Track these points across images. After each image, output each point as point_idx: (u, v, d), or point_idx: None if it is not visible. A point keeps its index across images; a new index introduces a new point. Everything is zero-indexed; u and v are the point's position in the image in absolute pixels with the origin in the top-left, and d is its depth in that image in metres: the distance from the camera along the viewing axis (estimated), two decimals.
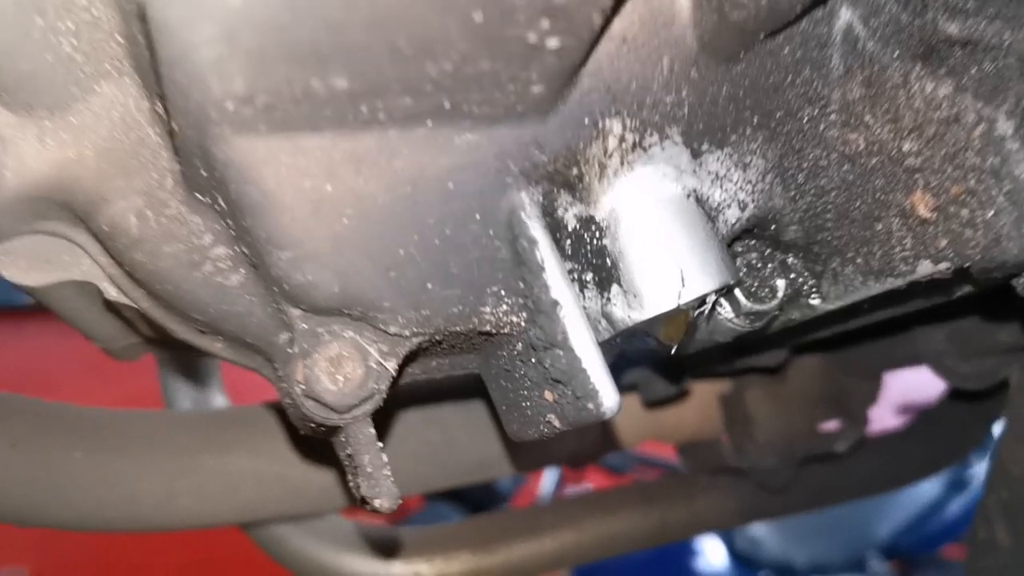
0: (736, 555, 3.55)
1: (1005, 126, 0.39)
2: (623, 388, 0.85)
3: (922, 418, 1.14)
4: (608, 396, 0.41)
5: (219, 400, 1.05)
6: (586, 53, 0.37)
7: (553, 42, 0.35)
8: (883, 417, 1.35)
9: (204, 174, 0.41)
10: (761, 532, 3.56)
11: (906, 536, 3.19)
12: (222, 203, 0.43)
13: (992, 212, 0.40)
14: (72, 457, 0.77)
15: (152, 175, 0.46)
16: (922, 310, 0.76)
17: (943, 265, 0.44)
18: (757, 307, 0.50)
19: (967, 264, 0.43)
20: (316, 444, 0.73)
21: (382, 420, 0.84)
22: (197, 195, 0.46)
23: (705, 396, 1.00)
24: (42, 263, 0.52)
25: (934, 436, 1.12)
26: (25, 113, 0.45)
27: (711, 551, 3.56)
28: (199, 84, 0.33)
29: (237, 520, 0.85)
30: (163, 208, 0.47)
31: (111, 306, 0.56)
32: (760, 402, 0.95)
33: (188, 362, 1.05)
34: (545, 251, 0.42)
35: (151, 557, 4.06)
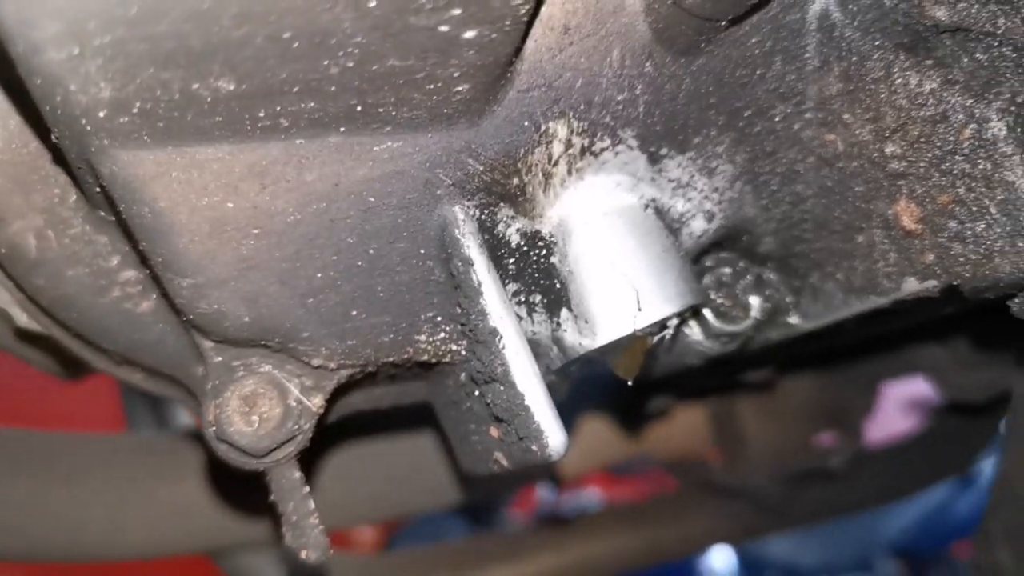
0: (742, 557, 3.51)
1: (998, 126, 0.34)
2: (595, 408, 0.80)
3: (922, 430, 1.09)
4: (553, 436, 0.36)
5: (184, 418, 1.01)
6: (515, 45, 0.32)
7: (470, 33, 0.30)
8: (891, 418, 1.30)
9: (97, 191, 0.37)
10: None
11: (914, 535, 3.15)
12: (120, 224, 0.38)
13: (983, 224, 0.35)
14: (15, 485, 0.73)
15: (54, 190, 0.42)
16: (916, 324, 0.71)
17: (930, 283, 0.39)
18: (729, 328, 0.45)
19: (956, 282, 0.38)
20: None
21: (332, 450, 0.79)
22: (100, 212, 0.41)
23: (693, 412, 0.95)
24: None
25: (935, 448, 1.07)
26: None
27: (717, 552, 3.52)
28: (59, 89, 0.29)
29: (191, 549, 0.80)
30: (66, 228, 0.42)
31: (25, 335, 0.52)
32: (751, 417, 0.90)
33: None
34: (482, 273, 0.37)
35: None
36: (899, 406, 1.35)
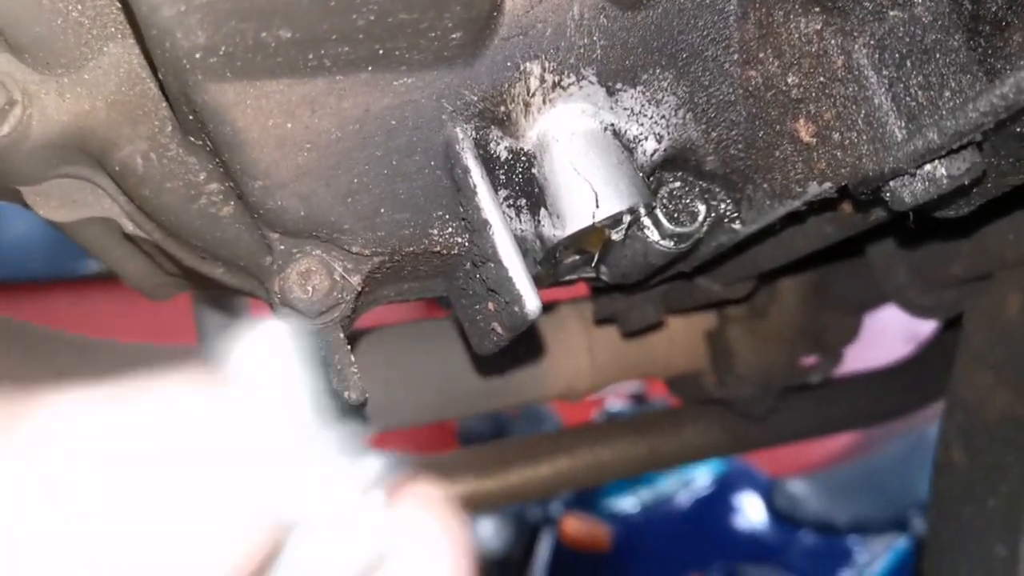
0: (776, 513, 3.57)
1: (862, 57, 0.45)
2: (603, 320, 0.92)
3: (908, 356, 1.18)
4: (530, 299, 0.48)
5: None
6: (492, 3, 0.44)
7: None
8: (893, 346, 1.38)
9: (191, 118, 0.50)
10: (801, 490, 3.56)
11: None
12: (210, 143, 0.51)
13: (854, 134, 0.46)
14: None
15: (154, 122, 0.55)
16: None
17: (826, 185, 0.50)
18: (679, 229, 0.56)
19: (843, 183, 0.49)
20: None
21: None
22: (191, 138, 0.54)
23: (693, 335, 1.07)
24: (69, 202, 0.61)
25: (919, 372, 1.17)
26: (46, 71, 0.53)
27: (750, 508, 3.59)
28: (169, 37, 0.41)
29: None
30: (164, 151, 0.55)
31: (131, 240, 0.66)
32: (741, 338, 1.01)
33: (221, 301, 1.15)
34: (476, 177, 0.49)
35: None
36: (902, 337, 1.44)
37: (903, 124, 0.44)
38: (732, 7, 0.51)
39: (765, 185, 0.54)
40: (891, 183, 0.46)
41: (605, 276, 0.64)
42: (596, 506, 3.50)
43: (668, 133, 0.54)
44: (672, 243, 0.57)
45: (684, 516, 3.56)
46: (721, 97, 0.53)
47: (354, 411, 0.65)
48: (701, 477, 3.57)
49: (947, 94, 0.44)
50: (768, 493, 3.57)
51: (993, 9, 0.52)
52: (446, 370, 0.96)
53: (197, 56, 0.43)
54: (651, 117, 0.53)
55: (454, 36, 0.45)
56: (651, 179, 0.57)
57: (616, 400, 3.65)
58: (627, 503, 3.54)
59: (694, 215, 0.56)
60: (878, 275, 0.89)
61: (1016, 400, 0.78)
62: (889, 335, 1.14)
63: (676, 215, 0.56)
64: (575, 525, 3.43)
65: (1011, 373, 0.78)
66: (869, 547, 3.42)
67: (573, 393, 1.05)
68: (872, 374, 1.19)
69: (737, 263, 0.74)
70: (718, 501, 3.57)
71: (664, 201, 0.56)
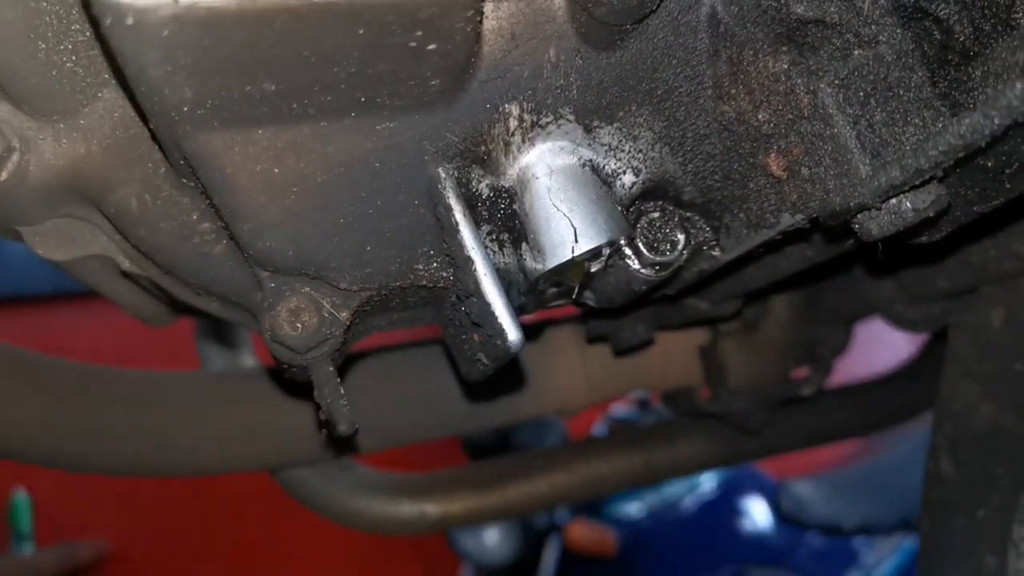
0: (782, 515, 3.57)
1: (827, 96, 0.46)
2: (595, 339, 0.94)
3: (900, 366, 1.20)
4: (512, 333, 0.50)
5: (249, 361, 1.17)
6: (469, 51, 0.46)
7: (432, 46, 0.43)
8: (900, 347, 1.39)
9: (182, 163, 0.51)
10: (808, 492, 3.56)
11: None
12: (201, 186, 0.53)
13: (822, 169, 0.48)
14: (111, 412, 0.89)
15: (148, 165, 0.56)
16: (871, 263, 0.83)
17: (798, 216, 0.51)
18: (660, 258, 0.58)
19: (814, 214, 0.50)
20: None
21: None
22: (183, 180, 0.56)
23: (687, 350, 1.08)
24: (67, 241, 0.63)
25: (913, 382, 1.18)
26: (43, 118, 0.55)
27: (756, 512, 3.59)
28: (158, 94, 0.43)
29: (256, 467, 0.96)
30: (158, 192, 0.57)
31: (127, 276, 0.67)
32: (733, 352, 1.02)
33: (222, 327, 1.17)
34: (459, 215, 0.51)
35: (223, 531, 4.30)
36: (908, 338, 1.44)
37: (867, 160, 0.46)
38: (704, 46, 0.52)
39: (742, 215, 0.56)
40: (859, 216, 0.47)
41: (591, 301, 0.65)
42: (602, 512, 3.51)
43: (646, 167, 0.56)
44: (653, 271, 0.58)
45: (690, 521, 3.56)
46: (696, 131, 0.55)
47: (347, 438, 0.66)
48: (707, 482, 3.57)
49: (910, 130, 0.45)
50: (774, 496, 3.57)
51: (961, 39, 0.53)
52: (443, 389, 0.98)
53: (185, 109, 0.44)
54: (628, 152, 0.55)
55: (433, 83, 0.47)
56: (631, 210, 0.58)
57: (621, 406, 3.66)
58: (633, 508, 3.54)
59: (674, 244, 0.58)
60: (865, 290, 0.90)
61: (1001, 412, 0.79)
62: (895, 337, 1.15)
63: (656, 244, 0.58)
64: (581, 531, 3.44)
65: (996, 386, 0.79)
66: (876, 549, 3.42)
67: (568, 409, 1.06)
68: (864, 385, 1.20)
69: (723, 284, 0.75)
70: (724, 505, 3.58)
71: (644, 231, 0.58)
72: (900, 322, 0.90)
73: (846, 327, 1.06)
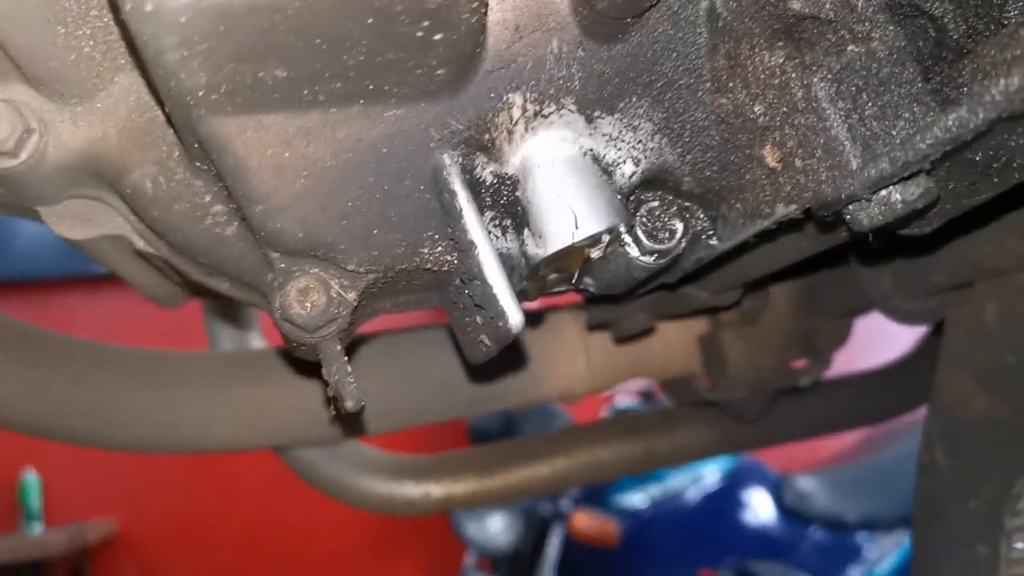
0: (785, 509, 3.58)
1: (820, 90, 0.48)
2: (596, 326, 0.96)
3: (898, 358, 1.21)
4: (513, 315, 0.51)
5: (257, 342, 1.19)
6: (474, 42, 0.47)
7: (438, 36, 0.45)
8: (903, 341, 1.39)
9: (196, 147, 0.53)
10: (811, 486, 3.57)
11: None
12: (214, 169, 0.54)
13: (814, 160, 0.49)
14: (125, 389, 0.92)
15: (162, 148, 0.58)
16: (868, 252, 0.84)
17: (792, 207, 0.53)
18: (658, 246, 0.59)
19: (807, 205, 0.52)
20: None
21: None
22: (197, 163, 0.57)
23: (687, 339, 1.10)
24: (83, 221, 0.65)
25: (910, 374, 1.19)
26: (60, 101, 0.57)
27: (759, 505, 3.61)
28: (174, 78, 0.45)
29: (265, 445, 0.98)
30: (172, 174, 0.59)
31: (142, 256, 0.69)
32: (733, 342, 1.04)
33: (231, 309, 1.19)
34: (463, 201, 0.52)
35: (229, 513, 4.34)
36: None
37: (858, 153, 0.47)
38: (703, 40, 0.54)
39: (738, 205, 0.57)
40: (850, 207, 0.49)
41: (592, 288, 0.67)
42: (606, 502, 3.53)
43: (645, 156, 0.57)
44: (652, 259, 0.60)
45: (693, 512, 3.58)
46: (695, 123, 0.56)
47: (355, 416, 0.68)
48: (710, 473, 3.59)
49: (900, 124, 0.47)
50: (777, 489, 3.58)
51: (955, 37, 0.54)
52: (449, 373, 1.00)
53: (200, 94, 0.46)
54: (628, 142, 0.56)
55: (439, 72, 0.48)
56: (631, 199, 0.60)
57: (625, 397, 3.67)
58: (636, 499, 3.56)
59: (672, 232, 0.59)
60: (863, 283, 0.91)
61: (994, 405, 0.81)
62: (896, 331, 1.16)
63: (655, 232, 0.59)
64: (585, 521, 3.46)
65: (989, 379, 0.81)
66: (879, 544, 3.43)
67: (571, 395, 1.08)
68: (862, 376, 1.22)
69: (722, 273, 0.77)
70: (727, 497, 3.59)
71: (643, 219, 0.59)
72: (897, 315, 0.92)
73: (845, 320, 1.07)
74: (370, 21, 0.43)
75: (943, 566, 0.89)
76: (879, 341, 1.78)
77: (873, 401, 1.20)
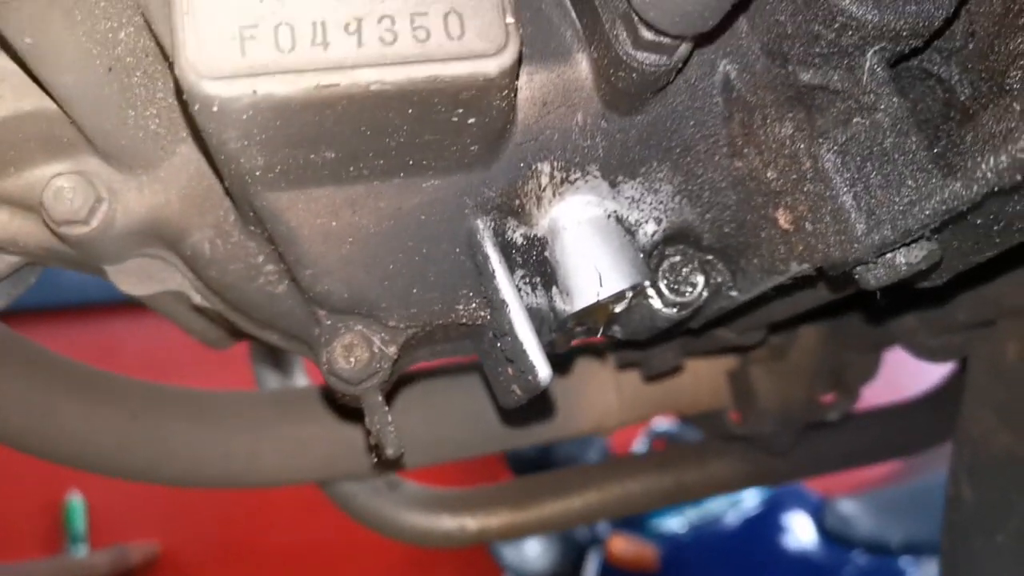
0: (827, 533, 3.53)
1: (827, 161, 0.51)
2: (627, 364, 0.99)
3: (926, 392, 1.22)
4: (542, 369, 0.55)
5: (301, 380, 1.24)
6: (504, 121, 0.52)
7: (472, 120, 0.49)
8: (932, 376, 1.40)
9: (251, 215, 0.58)
10: (853, 510, 3.52)
11: None
12: (267, 234, 0.59)
13: (823, 225, 0.52)
14: (178, 426, 0.97)
15: (219, 212, 0.63)
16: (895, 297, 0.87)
17: (804, 266, 0.56)
18: (680, 299, 0.63)
19: (819, 264, 0.55)
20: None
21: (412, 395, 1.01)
22: (251, 227, 0.62)
23: (716, 374, 1.13)
24: (146, 278, 0.70)
25: (936, 409, 1.20)
26: (128, 172, 0.62)
27: (800, 529, 3.56)
28: (234, 162, 0.50)
29: (310, 479, 1.03)
30: (228, 237, 0.64)
31: (198, 308, 0.74)
32: (762, 378, 1.07)
33: (275, 350, 1.24)
34: (495, 263, 0.57)
35: (268, 535, 4.41)
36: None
37: (863, 219, 0.50)
38: (719, 108, 0.57)
39: (755, 260, 0.61)
40: (857, 268, 0.52)
41: (618, 335, 0.70)
42: (643, 526, 3.52)
43: (666, 216, 0.61)
44: (675, 310, 0.63)
45: (732, 536, 3.54)
46: (712, 184, 0.60)
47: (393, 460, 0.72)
48: (749, 497, 3.56)
49: (904, 191, 0.50)
50: (819, 513, 3.53)
51: (962, 99, 0.58)
52: (484, 411, 1.04)
53: (257, 173, 0.51)
54: (650, 203, 0.60)
55: (473, 148, 0.53)
56: (654, 254, 0.63)
57: (662, 420, 3.66)
58: (674, 523, 3.54)
59: (694, 286, 0.63)
60: (888, 321, 0.94)
61: (1016, 441, 0.82)
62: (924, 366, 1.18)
63: (677, 286, 0.63)
64: (622, 545, 3.45)
65: (1011, 415, 0.83)
66: (923, 569, 3.37)
67: (602, 429, 1.11)
68: (890, 410, 1.23)
69: (746, 318, 0.80)
70: (767, 521, 3.55)
71: (666, 273, 0.63)
72: (921, 351, 0.94)
73: (873, 355, 1.09)
74: (410, 111, 0.47)
75: None
76: (909, 375, 1.79)
77: (901, 434, 1.21)
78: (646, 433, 3.44)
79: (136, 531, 4.32)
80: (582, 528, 3.49)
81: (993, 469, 0.87)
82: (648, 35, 0.49)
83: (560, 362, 0.93)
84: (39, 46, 0.51)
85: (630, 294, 0.60)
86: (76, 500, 4.25)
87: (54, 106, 0.59)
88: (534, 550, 3.50)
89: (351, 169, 0.53)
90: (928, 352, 0.93)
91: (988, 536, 0.88)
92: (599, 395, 1.06)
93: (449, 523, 1.09)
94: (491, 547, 3.50)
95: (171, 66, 0.54)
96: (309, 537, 4.32)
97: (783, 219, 0.55)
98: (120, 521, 4.32)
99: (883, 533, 3.48)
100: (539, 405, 1.02)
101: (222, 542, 4.36)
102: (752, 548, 3.57)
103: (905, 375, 1.81)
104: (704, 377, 1.12)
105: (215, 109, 0.45)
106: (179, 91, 0.47)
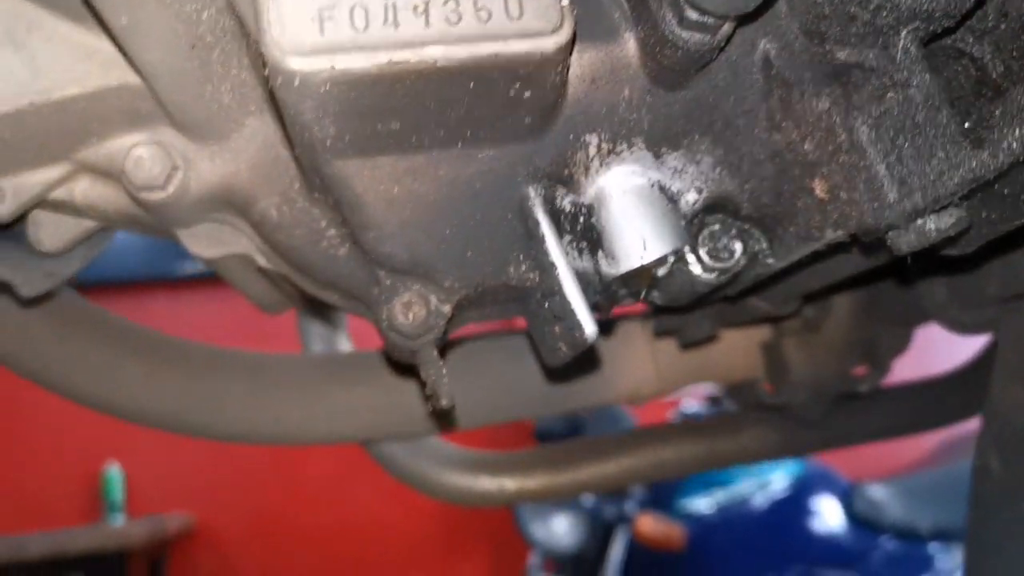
0: (855, 517, 3.53)
1: (862, 133, 0.54)
2: (664, 332, 1.03)
3: (958, 367, 1.24)
4: (588, 325, 0.59)
5: (345, 344, 1.30)
6: (557, 95, 0.56)
7: (527, 94, 0.53)
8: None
9: (318, 182, 0.63)
10: (882, 494, 3.52)
11: None
12: (331, 200, 0.64)
13: (857, 194, 0.56)
14: (233, 387, 1.03)
15: (285, 180, 0.68)
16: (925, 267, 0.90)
17: (839, 232, 0.59)
18: (719, 264, 0.66)
19: (853, 231, 0.58)
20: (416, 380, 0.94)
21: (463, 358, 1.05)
22: (315, 194, 0.67)
23: (750, 345, 1.16)
24: (215, 242, 0.75)
25: (967, 383, 1.23)
26: (201, 142, 0.67)
27: (828, 512, 3.57)
28: (307, 131, 0.54)
29: (357, 438, 1.08)
30: (293, 204, 0.68)
31: (262, 271, 0.79)
32: (795, 350, 1.10)
33: (321, 313, 1.30)
34: (545, 228, 0.61)
35: (301, 507, 4.51)
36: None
37: (895, 188, 0.53)
38: (758, 85, 0.61)
39: (792, 228, 0.64)
40: (889, 233, 0.55)
41: (658, 300, 0.74)
42: (671, 506, 3.55)
43: (707, 186, 0.64)
44: (713, 276, 0.67)
45: (760, 518, 3.56)
46: (752, 157, 0.63)
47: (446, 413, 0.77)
48: (778, 479, 3.57)
49: (934, 162, 0.53)
50: (847, 497, 3.53)
51: (993, 76, 0.60)
52: (524, 375, 1.09)
53: (328, 143, 0.55)
54: (692, 174, 0.64)
55: (527, 120, 0.57)
56: (694, 222, 0.67)
57: (692, 402, 3.68)
58: (703, 504, 3.57)
59: (732, 252, 0.66)
60: (920, 294, 0.96)
61: None
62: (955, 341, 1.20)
63: (716, 252, 0.66)
64: (650, 524, 3.48)
65: None
66: (952, 555, 3.37)
67: (639, 397, 1.15)
68: (922, 384, 1.25)
69: (781, 287, 0.83)
70: (795, 504, 3.56)
71: (705, 240, 0.66)
72: (953, 325, 0.96)
73: (905, 329, 1.12)
74: (472, 85, 0.51)
75: (996, 565, 0.93)
76: (937, 355, 1.80)
77: (932, 408, 1.24)
78: (676, 416, 3.46)
79: (172, 502, 4.45)
80: (610, 506, 3.53)
81: (1021, 441, 0.89)
82: (693, 15, 0.52)
83: (601, 329, 0.98)
84: (132, 25, 0.56)
85: (672, 259, 0.64)
86: (114, 471, 4.38)
87: (137, 80, 0.63)
88: (562, 526, 3.55)
89: (413, 139, 0.57)
90: (960, 326, 0.95)
91: (1014, 507, 0.91)
92: (637, 362, 1.10)
93: (488, 483, 1.14)
94: (519, 522, 3.55)
95: (250, 45, 0.59)
96: (340, 510, 4.43)
97: (819, 189, 0.59)
98: (156, 492, 4.45)
99: (912, 519, 3.48)
100: (584, 365, 1.06)
101: (256, 513, 4.48)
102: (780, 531, 3.58)
103: (934, 355, 1.83)
104: (738, 348, 1.16)
105: (296, 83, 0.49)
106: (262, 66, 0.51)
